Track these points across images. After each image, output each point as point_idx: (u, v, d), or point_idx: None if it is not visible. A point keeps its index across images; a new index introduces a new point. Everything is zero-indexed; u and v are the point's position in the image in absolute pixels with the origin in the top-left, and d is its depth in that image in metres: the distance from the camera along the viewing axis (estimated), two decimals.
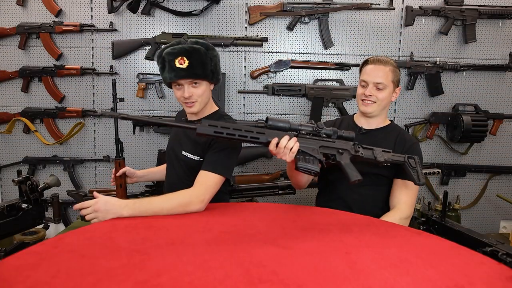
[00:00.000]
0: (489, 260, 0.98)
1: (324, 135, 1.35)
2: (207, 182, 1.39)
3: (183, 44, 1.44)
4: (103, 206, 1.24)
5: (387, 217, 1.49)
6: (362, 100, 1.61)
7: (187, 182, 1.46)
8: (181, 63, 1.40)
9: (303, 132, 1.33)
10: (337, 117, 2.69)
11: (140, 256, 0.95)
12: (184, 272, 0.86)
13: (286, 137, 1.27)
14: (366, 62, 1.63)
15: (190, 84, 1.45)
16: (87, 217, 1.25)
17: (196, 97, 1.47)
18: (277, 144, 1.26)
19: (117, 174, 1.63)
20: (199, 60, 1.42)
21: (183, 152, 1.56)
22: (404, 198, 1.54)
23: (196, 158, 1.52)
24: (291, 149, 1.26)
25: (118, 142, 1.64)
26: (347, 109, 2.67)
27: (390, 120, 1.71)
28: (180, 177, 1.58)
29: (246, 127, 1.24)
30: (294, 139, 1.28)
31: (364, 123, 1.66)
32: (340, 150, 1.36)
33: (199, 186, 1.37)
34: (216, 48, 1.51)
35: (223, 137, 1.21)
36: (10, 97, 2.71)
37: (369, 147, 1.43)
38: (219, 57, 1.53)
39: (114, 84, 1.62)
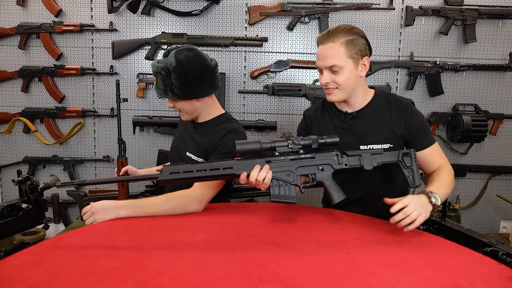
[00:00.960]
0: (489, 260, 0.98)
1: (301, 150, 1.20)
2: (207, 183, 1.39)
3: (163, 59, 1.46)
4: (101, 208, 1.24)
5: (443, 176, 1.30)
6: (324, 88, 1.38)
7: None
8: (155, 81, 1.47)
9: (277, 153, 1.19)
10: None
11: (140, 256, 0.95)
12: (184, 272, 0.86)
13: (256, 169, 1.16)
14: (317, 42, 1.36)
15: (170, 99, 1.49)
16: (86, 222, 1.25)
17: (178, 109, 1.51)
18: (249, 175, 1.16)
19: (119, 174, 1.63)
20: (161, 81, 1.45)
21: (187, 153, 1.57)
22: (441, 161, 1.37)
23: (200, 160, 1.53)
24: (264, 179, 1.16)
25: (120, 142, 1.65)
26: None
27: (371, 87, 1.47)
28: None
29: (212, 165, 1.16)
30: (266, 167, 1.16)
31: (346, 107, 1.42)
32: (320, 167, 1.21)
33: (198, 187, 1.37)
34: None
35: (188, 181, 1.17)
36: (10, 97, 2.71)
37: (356, 153, 1.24)
38: (202, 71, 1.44)
39: (118, 85, 1.63)
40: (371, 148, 1.37)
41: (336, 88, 1.34)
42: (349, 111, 1.42)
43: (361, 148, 1.38)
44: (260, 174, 1.15)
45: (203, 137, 1.54)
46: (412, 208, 1.11)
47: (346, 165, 1.22)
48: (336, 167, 1.21)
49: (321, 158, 1.21)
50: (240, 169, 1.16)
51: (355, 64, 1.32)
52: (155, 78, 1.46)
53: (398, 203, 1.12)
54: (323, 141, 1.20)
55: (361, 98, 1.41)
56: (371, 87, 1.47)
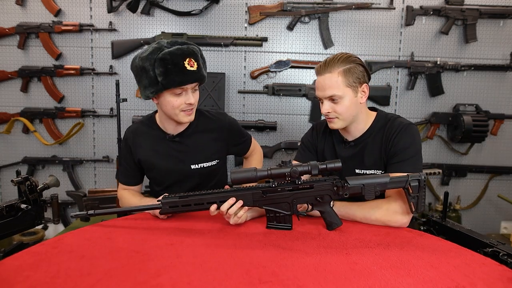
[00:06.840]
0: (490, 261, 0.98)
1: (300, 179, 1.16)
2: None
3: (180, 43, 1.32)
4: None
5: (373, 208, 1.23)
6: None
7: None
8: (191, 65, 1.27)
9: (273, 185, 1.16)
10: None
11: (140, 256, 0.94)
12: (183, 272, 0.86)
13: (228, 202, 1.15)
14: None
15: (193, 89, 1.35)
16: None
17: (195, 101, 1.37)
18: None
19: None
20: (202, 62, 1.35)
21: (193, 166, 1.48)
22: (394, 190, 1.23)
23: (214, 163, 1.51)
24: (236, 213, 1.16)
25: (120, 142, 1.66)
26: None
27: (374, 110, 1.43)
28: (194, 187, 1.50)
29: (198, 199, 1.17)
30: (239, 203, 1.16)
31: (347, 134, 1.41)
32: (318, 198, 1.17)
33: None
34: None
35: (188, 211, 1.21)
36: (9, 97, 2.71)
37: (358, 183, 1.15)
38: None
39: (117, 85, 1.63)
40: (364, 173, 1.35)
41: (337, 117, 1.32)
42: (349, 139, 1.41)
43: (356, 172, 1.36)
44: (232, 208, 1.16)
45: (203, 137, 1.48)
46: None
47: (346, 195, 1.17)
48: (334, 198, 1.18)
49: (320, 188, 1.17)
50: (212, 199, 1.17)
51: (354, 92, 1.30)
52: (193, 61, 1.28)
53: None
54: (324, 166, 1.13)
55: (361, 125, 1.38)
56: (373, 109, 1.43)
